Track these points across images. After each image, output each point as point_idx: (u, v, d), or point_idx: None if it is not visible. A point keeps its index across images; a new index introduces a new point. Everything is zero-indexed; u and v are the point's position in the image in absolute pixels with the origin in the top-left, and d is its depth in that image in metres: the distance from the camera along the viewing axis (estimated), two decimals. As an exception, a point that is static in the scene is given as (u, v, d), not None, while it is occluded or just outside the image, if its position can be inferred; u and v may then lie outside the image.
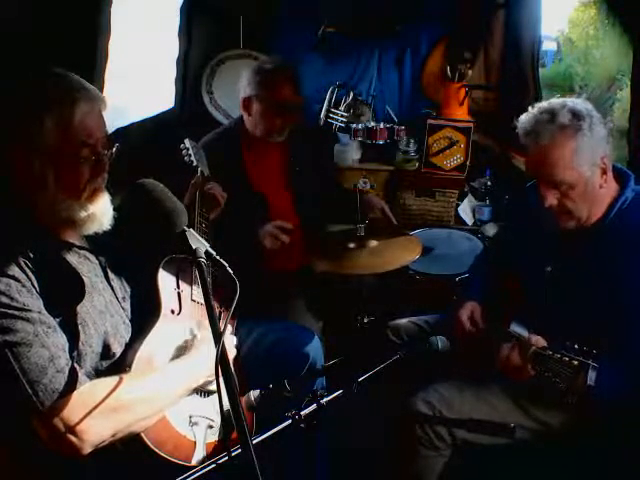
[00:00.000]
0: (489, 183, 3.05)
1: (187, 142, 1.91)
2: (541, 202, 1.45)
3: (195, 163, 1.84)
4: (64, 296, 1.12)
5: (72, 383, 1.05)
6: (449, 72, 3.10)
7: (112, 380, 1.11)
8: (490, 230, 2.74)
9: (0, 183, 1.13)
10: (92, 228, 1.20)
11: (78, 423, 1.03)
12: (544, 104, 1.43)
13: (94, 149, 1.14)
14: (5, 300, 1.01)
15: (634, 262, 1.38)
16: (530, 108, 1.45)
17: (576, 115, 1.37)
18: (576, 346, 1.26)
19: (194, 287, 1.43)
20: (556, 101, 1.42)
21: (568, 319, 1.43)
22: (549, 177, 1.40)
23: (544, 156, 1.39)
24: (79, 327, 1.12)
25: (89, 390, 1.07)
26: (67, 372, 1.05)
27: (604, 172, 1.41)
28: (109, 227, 1.22)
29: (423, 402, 1.54)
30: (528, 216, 1.68)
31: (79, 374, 1.08)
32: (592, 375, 1.20)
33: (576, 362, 1.22)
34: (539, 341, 1.36)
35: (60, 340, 1.07)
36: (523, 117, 1.46)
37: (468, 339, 1.66)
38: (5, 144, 1.10)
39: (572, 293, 1.48)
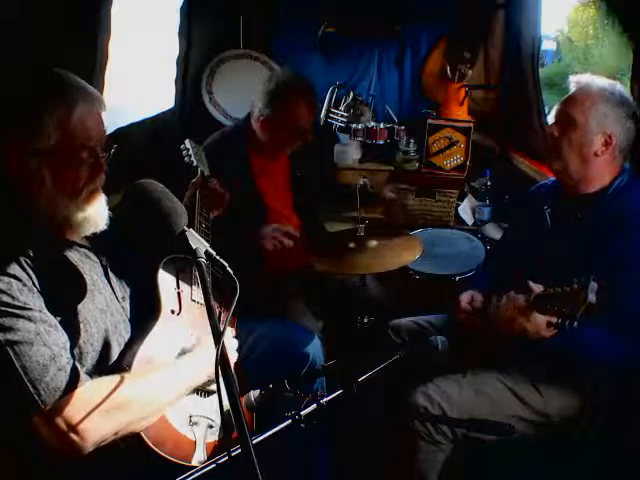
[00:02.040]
0: (489, 183, 3.05)
1: (187, 142, 1.90)
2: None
3: (195, 163, 1.84)
4: (66, 294, 1.12)
5: (74, 382, 1.05)
6: (449, 72, 3.10)
7: (113, 379, 1.11)
8: (490, 230, 2.74)
9: (1, 183, 1.13)
10: (88, 229, 1.20)
11: (79, 422, 1.03)
12: (604, 77, 1.63)
13: (93, 151, 1.14)
14: (6, 299, 1.01)
15: (620, 238, 1.44)
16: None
17: (617, 90, 1.55)
18: (575, 279, 1.28)
19: (194, 287, 1.43)
20: (612, 81, 1.62)
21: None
22: (564, 113, 1.58)
23: (573, 97, 1.58)
24: (80, 325, 1.12)
25: (90, 389, 1.07)
26: (69, 370, 1.05)
27: (605, 144, 1.54)
28: (105, 227, 1.22)
29: (423, 396, 1.55)
30: (529, 214, 1.75)
31: (80, 373, 1.08)
32: (593, 288, 1.22)
33: (576, 285, 1.26)
34: (538, 287, 1.40)
35: (61, 338, 1.07)
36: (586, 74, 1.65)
37: (467, 324, 1.69)
38: (3, 144, 1.09)
39: (565, 262, 1.52)
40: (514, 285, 1.51)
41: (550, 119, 1.68)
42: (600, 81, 1.58)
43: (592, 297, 1.22)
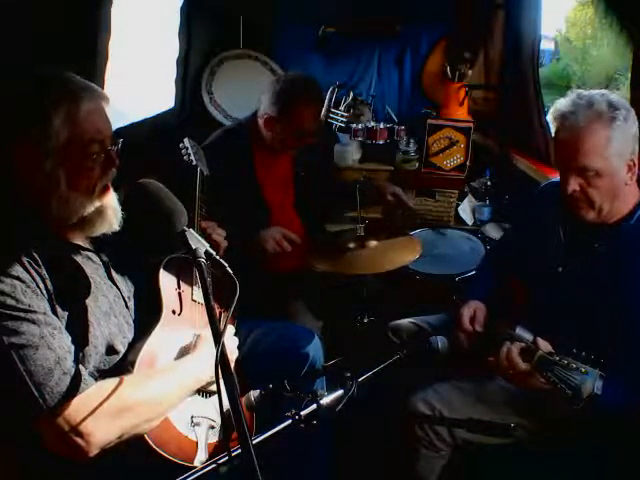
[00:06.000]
0: (489, 183, 3.05)
1: (186, 141, 1.90)
2: (562, 190, 1.42)
3: (195, 162, 1.83)
4: (70, 295, 1.12)
5: (78, 385, 1.05)
6: (449, 72, 3.10)
7: (117, 382, 1.10)
8: (490, 230, 2.74)
9: (5, 183, 1.12)
10: (102, 228, 1.19)
11: (85, 425, 1.02)
12: (583, 92, 1.43)
13: (103, 145, 1.14)
14: (10, 302, 1.00)
15: None
16: (569, 92, 1.44)
17: (613, 105, 1.36)
18: (583, 353, 1.25)
19: (194, 287, 1.43)
20: (595, 91, 1.42)
21: (575, 323, 1.42)
22: (577, 162, 1.37)
23: (577, 140, 1.36)
24: (84, 328, 1.12)
25: (95, 392, 1.06)
26: (73, 374, 1.05)
27: (630, 169, 1.39)
28: (118, 228, 1.21)
29: (423, 402, 1.55)
30: (537, 217, 1.66)
31: (85, 376, 1.07)
32: (599, 384, 1.20)
33: (584, 370, 1.22)
34: (546, 345, 1.35)
35: (66, 341, 1.07)
36: (561, 100, 1.44)
37: (468, 338, 1.66)
38: (11, 147, 1.09)
39: (583, 294, 1.46)
40: (515, 298, 1.47)
41: (564, 176, 1.41)
42: (595, 101, 1.36)
43: (598, 390, 1.19)
